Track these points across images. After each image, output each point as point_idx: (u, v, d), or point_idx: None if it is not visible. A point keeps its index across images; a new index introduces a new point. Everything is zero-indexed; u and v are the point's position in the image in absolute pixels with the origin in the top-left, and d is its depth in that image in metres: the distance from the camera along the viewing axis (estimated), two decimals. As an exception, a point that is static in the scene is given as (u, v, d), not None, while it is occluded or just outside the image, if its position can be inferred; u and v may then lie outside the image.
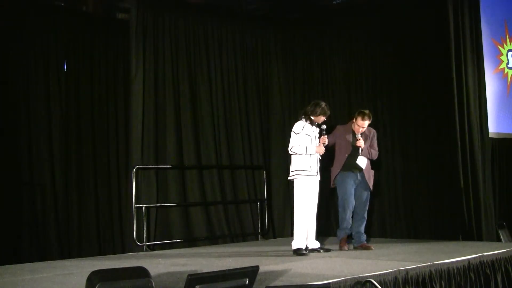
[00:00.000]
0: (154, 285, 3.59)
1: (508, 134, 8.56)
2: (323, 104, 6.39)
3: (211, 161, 8.54)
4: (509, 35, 8.78)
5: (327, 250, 6.54)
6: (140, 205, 7.63)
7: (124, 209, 8.20)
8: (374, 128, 8.54)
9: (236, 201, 8.78)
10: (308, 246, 6.40)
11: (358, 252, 6.53)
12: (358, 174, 6.63)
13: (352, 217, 6.70)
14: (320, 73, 9.28)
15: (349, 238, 6.83)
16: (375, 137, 6.76)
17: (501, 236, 7.77)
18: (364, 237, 6.73)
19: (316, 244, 6.51)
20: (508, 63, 8.71)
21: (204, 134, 8.51)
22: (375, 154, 6.73)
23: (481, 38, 7.95)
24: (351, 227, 6.71)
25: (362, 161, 6.58)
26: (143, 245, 7.52)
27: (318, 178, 6.39)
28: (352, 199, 6.64)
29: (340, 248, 6.65)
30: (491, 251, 5.89)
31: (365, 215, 6.73)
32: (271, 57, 9.42)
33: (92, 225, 8.13)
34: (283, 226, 9.07)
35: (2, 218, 7.16)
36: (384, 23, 8.47)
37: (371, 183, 6.68)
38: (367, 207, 6.72)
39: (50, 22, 7.97)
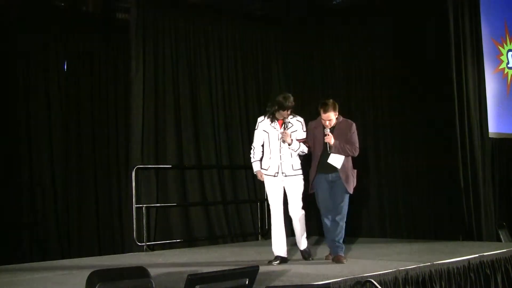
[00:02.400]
0: (154, 285, 3.59)
1: (508, 134, 8.55)
2: (280, 96, 5.75)
3: (211, 161, 8.54)
4: (509, 35, 8.77)
5: (309, 256, 6.03)
6: (140, 205, 7.64)
7: (124, 209, 8.21)
8: (375, 129, 8.57)
9: (236, 201, 8.78)
10: (299, 247, 6.04)
11: (358, 252, 6.53)
12: (330, 175, 5.76)
13: None
14: (320, 73, 9.28)
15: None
16: (353, 130, 5.82)
17: (501, 236, 7.76)
18: (339, 248, 5.74)
19: (303, 245, 6.00)
20: (508, 63, 8.70)
21: (204, 134, 8.52)
22: (352, 149, 5.74)
23: (481, 38, 7.94)
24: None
25: (335, 160, 5.72)
26: (143, 245, 7.53)
27: (282, 178, 5.78)
28: (327, 204, 5.81)
29: (325, 258, 5.99)
30: (491, 251, 5.89)
31: (338, 220, 5.73)
32: (271, 57, 9.43)
33: (92, 225, 8.13)
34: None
35: (2, 218, 7.16)
36: (383, 23, 8.46)
37: (349, 185, 5.74)
38: (341, 212, 5.73)
39: (50, 22, 7.96)
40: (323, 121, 5.74)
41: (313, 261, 5.96)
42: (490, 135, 7.95)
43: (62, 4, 8.26)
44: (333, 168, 5.74)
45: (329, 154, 5.72)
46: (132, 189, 7.59)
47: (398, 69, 8.32)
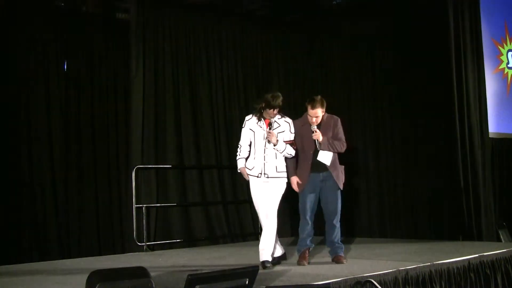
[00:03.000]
0: (154, 285, 3.59)
1: (508, 134, 8.56)
2: (269, 95, 5.57)
3: (211, 161, 8.54)
4: (509, 35, 8.77)
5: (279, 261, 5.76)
6: (140, 205, 7.64)
7: (124, 209, 8.20)
8: (375, 128, 8.59)
9: (236, 201, 8.78)
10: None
11: (358, 252, 6.54)
12: (321, 174, 5.64)
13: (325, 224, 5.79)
14: (320, 73, 9.28)
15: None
16: (339, 125, 5.73)
17: (501, 236, 7.77)
18: (339, 248, 5.69)
19: (266, 257, 5.47)
20: (508, 63, 8.70)
21: (204, 134, 8.52)
22: (340, 145, 5.64)
23: (481, 38, 7.95)
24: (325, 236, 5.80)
25: (324, 157, 5.60)
26: (143, 245, 7.53)
27: (265, 179, 5.54)
28: (311, 204, 5.67)
29: (298, 263, 5.64)
30: (491, 251, 5.90)
31: (335, 222, 5.66)
32: (271, 57, 9.42)
33: (92, 225, 8.12)
34: (282, 226, 9.06)
35: (2, 218, 7.16)
36: (384, 23, 8.47)
37: (340, 181, 5.66)
38: (336, 213, 5.66)
39: (50, 22, 7.96)
40: (309, 117, 5.62)
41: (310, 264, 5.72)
42: (490, 135, 7.96)
43: (62, 4, 8.25)
44: (323, 167, 5.64)
45: (318, 152, 5.61)
46: (132, 189, 7.60)
47: (398, 69, 8.33)
